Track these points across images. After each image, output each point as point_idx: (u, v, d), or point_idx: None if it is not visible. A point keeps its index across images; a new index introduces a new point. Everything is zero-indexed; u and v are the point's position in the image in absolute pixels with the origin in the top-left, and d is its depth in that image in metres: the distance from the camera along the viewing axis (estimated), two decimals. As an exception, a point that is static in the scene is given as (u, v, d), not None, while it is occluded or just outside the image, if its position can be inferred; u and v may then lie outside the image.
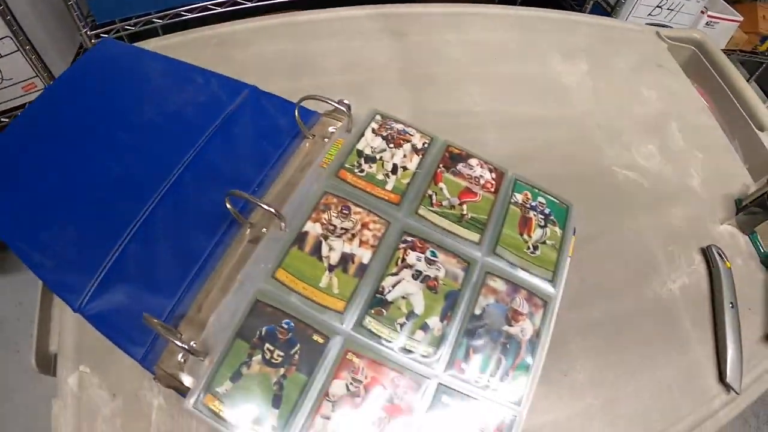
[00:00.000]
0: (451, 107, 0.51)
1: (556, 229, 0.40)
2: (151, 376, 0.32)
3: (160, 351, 0.32)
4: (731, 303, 0.44)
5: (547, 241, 0.39)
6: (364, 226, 0.37)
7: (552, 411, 0.38)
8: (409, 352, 0.33)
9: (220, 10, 0.79)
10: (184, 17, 0.78)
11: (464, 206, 0.39)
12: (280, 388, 0.31)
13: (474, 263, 0.37)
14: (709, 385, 0.42)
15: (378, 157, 0.41)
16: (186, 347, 0.30)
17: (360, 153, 0.41)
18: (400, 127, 0.43)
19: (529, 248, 0.39)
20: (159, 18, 0.78)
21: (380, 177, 0.40)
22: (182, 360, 0.32)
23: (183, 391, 0.31)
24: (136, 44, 0.63)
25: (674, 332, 0.43)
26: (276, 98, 0.46)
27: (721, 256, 0.47)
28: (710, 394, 0.42)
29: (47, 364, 0.37)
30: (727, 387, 0.42)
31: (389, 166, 0.40)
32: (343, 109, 0.41)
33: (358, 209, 0.38)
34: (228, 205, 0.35)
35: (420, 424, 0.32)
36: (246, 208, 0.38)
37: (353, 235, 0.36)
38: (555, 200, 0.42)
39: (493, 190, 0.41)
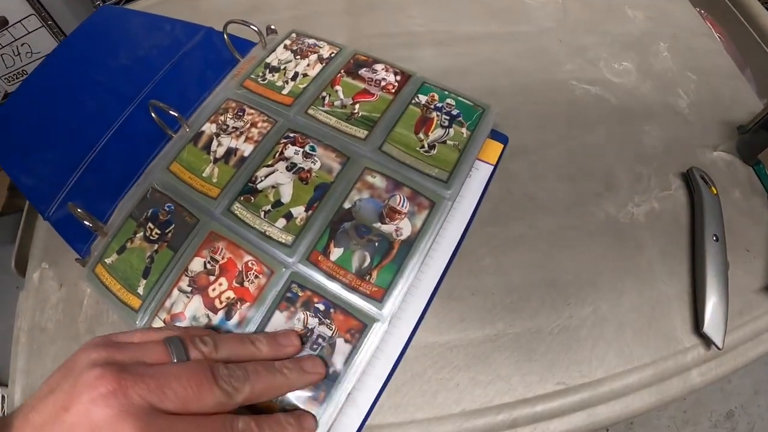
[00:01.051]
0: (390, 29, 0.49)
1: (463, 130, 0.36)
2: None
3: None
4: (715, 236, 0.35)
5: (449, 141, 0.35)
6: (254, 125, 0.37)
7: (452, 332, 0.33)
8: (269, 238, 0.31)
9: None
10: None
11: (357, 106, 0.37)
12: (152, 261, 0.32)
13: (355, 158, 0.34)
14: (678, 334, 0.33)
15: (282, 67, 0.40)
16: (90, 224, 0.33)
17: (267, 65, 0.41)
18: (311, 41, 0.42)
19: (423, 147, 0.35)
20: None
21: (279, 83, 0.39)
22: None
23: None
24: (130, 5, 0.68)
25: (634, 262, 0.35)
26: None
27: (705, 180, 0.38)
28: (680, 345, 0.33)
29: (24, 268, 0.41)
30: (706, 339, 0.33)
31: (290, 74, 0.40)
32: (256, 30, 0.41)
33: (252, 111, 0.38)
34: (153, 115, 0.37)
35: (265, 310, 0.29)
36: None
37: (241, 133, 0.36)
38: (469, 102, 0.37)
39: (393, 91, 0.38)
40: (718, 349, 0.32)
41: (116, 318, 0.35)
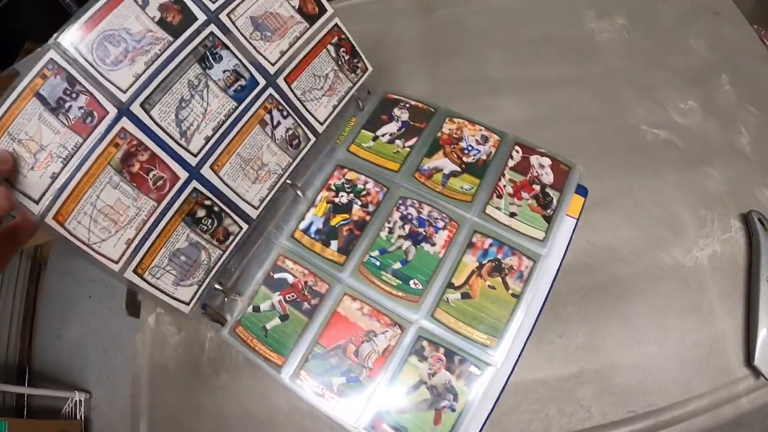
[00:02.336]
0: (469, 76, 0.52)
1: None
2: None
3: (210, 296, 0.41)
4: None
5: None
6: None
7: (542, 370, 0.39)
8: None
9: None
10: None
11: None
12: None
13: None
14: (732, 366, 0.39)
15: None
16: (226, 291, 0.39)
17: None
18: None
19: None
20: None
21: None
22: (224, 300, 0.41)
23: (223, 324, 0.40)
24: None
25: (696, 304, 0.41)
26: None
27: (763, 223, 0.43)
28: (733, 375, 0.39)
29: (134, 310, 0.48)
30: (756, 371, 0.38)
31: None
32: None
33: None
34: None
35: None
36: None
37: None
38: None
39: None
40: (766, 380, 0.39)
41: (242, 359, 0.40)
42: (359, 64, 0.45)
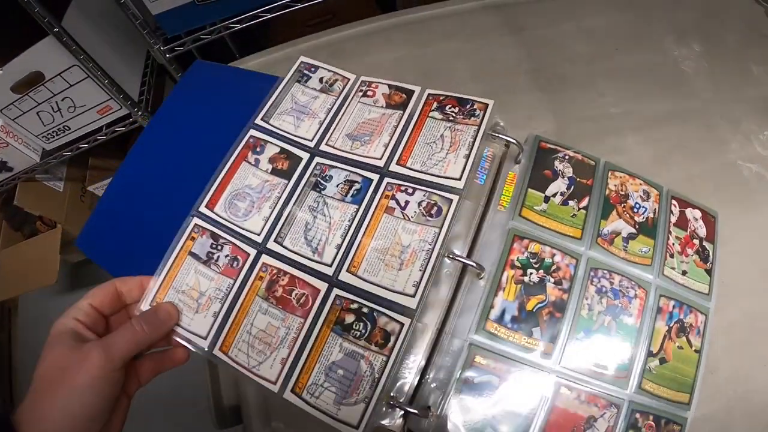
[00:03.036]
0: (589, 112, 0.51)
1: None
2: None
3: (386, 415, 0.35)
4: None
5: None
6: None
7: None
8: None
9: (297, 6, 0.73)
10: (260, 18, 0.72)
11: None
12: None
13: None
14: None
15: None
16: (403, 407, 0.34)
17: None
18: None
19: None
20: (235, 23, 0.71)
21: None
22: (404, 420, 0.35)
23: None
24: (233, 64, 0.61)
25: None
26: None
27: None
28: None
29: (224, 420, 0.42)
30: None
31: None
32: (515, 143, 0.41)
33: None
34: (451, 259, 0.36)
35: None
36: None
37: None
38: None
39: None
40: None
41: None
42: (475, 106, 0.41)
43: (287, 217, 0.39)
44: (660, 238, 0.42)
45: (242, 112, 0.51)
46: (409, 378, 0.34)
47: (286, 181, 0.40)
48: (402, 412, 0.34)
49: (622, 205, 0.42)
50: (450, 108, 0.42)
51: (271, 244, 0.38)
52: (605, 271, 0.39)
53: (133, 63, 0.86)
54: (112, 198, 0.47)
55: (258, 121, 0.44)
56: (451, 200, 0.37)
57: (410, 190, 0.38)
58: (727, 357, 0.44)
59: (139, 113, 0.84)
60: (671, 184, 0.45)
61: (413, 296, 0.34)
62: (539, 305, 0.38)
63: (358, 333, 0.34)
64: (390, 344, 0.33)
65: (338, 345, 0.34)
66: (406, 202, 0.37)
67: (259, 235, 0.38)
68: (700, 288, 0.41)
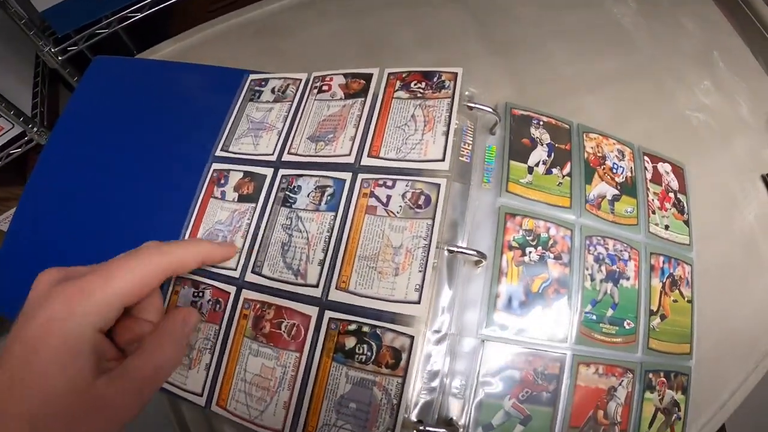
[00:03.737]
0: (545, 74, 0.49)
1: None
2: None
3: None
4: None
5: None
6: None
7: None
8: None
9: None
10: (163, 3, 0.62)
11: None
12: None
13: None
14: None
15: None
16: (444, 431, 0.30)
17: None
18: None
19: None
20: (133, 12, 0.61)
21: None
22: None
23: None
24: (141, 55, 0.52)
25: (753, 258, 0.50)
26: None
27: (779, 181, 0.53)
28: None
29: None
30: None
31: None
32: (491, 111, 0.37)
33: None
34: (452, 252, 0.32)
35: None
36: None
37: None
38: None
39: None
40: None
41: None
42: (443, 77, 0.38)
43: (261, 242, 0.35)
44: (641, 197, 0.41)
45: (161, 108, 0.44)
46: (428, 393, 0.30)
47: (253, 205, 0.36)
48: (430, 433, 0.30)
49: (602, 167, 0.41)
50: (416, 84, 0.37)
51: (250, 276, 0.34)
52: (599, 238, 0.38)
53: (20, 72, 0.73)
54: (16, 235, 0.38)
55: (218, 152, 0.39)
56: (439, 185, 0.32)
57: (390, 183, 0.33)
58: (709, 300, 0.45)
59: (35, 130, 0.71)
60: (633, 141, 0.44)
61: (418, 302, 0.29)
62: (544, 284, 0.35)
63: (364, 357, 0.29)
64: (402, 363, 0.29)
65: (344, 375, 0.29)
66: (388, 197, 0.33)
67: (235, 269, 0.34)
68: (683, 240, 0.41)
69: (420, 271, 0.30)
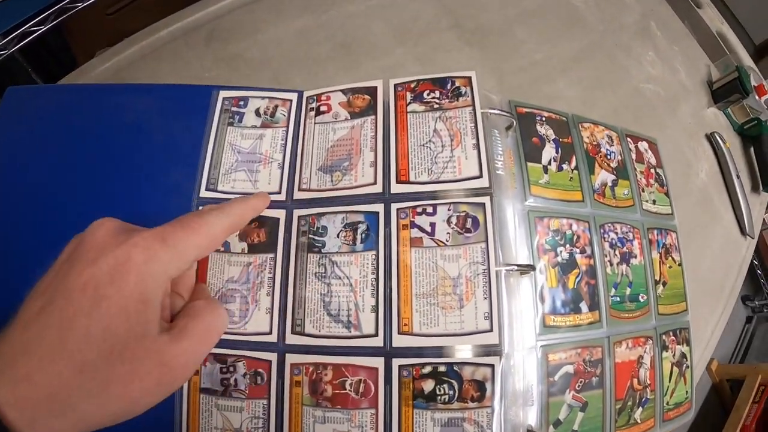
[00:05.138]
0: (519, 61, 0.50)
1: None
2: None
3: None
4: (737, 175, 0.59)
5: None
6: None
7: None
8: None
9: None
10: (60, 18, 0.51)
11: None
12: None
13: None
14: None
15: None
16: None
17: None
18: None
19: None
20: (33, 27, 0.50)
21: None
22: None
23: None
24: (64, 80, 0.44)
25: (709, 211, 0.57)
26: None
27: (722, 139, 0.60)
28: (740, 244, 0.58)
29: None
30: (746, 236, 0.58)
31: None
32: (507, 115, 0.37)
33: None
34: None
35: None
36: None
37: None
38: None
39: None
40: (752, 238, 0.58)
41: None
42: (457, 83, 0.37)
43: (293, 298, 0.31)
44: (632, 177, 0.44)
45: (112, 146, 0.38)
46: (520, 416, 0.31)
47: (272, 255, 0.32)
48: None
49: (599, 155, 0.43)
50: (429, 94, 0.36)
51: (291, 338, 0.30)
52: (610, 224, 0.40)
53: None
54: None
55: (203, 193, 0.34)
56: (484, 204, 0.32)
57: (430, 209, 0.32)
58: (684, 257, 0.51)
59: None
60: (606, 120, 0.47)
61: (491, 330, 0.29)
62: (577, 280, 0.37)
63: (447, 397, 0.28)
64: (488, 393, 0.29)
65: (429, 419, 0.28)
66: (432, 225, 0.32)
67: (270, 333, 0.31)
68: (667, 210, 0.46)
69: (485, 298, 0.30)
